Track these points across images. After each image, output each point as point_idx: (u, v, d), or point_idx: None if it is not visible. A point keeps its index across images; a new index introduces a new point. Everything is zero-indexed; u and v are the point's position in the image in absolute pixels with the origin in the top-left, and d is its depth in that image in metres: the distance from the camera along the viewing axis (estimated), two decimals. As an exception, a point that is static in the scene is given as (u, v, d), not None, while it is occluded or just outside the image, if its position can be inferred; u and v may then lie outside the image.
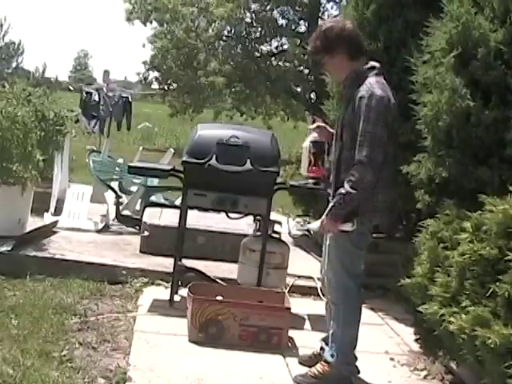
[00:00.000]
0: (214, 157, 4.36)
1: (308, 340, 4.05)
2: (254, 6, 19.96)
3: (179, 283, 4.64)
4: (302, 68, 20.58)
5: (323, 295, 5.07)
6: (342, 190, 3.25)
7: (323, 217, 3.37)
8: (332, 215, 3.33)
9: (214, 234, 5.63)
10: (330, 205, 3.35)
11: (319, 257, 6.13)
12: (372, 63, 3.46)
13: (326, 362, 3.48)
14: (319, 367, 3.47)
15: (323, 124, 3.81)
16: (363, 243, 3.45)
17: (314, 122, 3.86)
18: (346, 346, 3.46)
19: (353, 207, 3.29)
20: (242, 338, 3.86)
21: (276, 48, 21.02)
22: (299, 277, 5.27)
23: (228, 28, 20.05)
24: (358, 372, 3.52)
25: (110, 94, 13.30)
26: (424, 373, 3.74)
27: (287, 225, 7.56)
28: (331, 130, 3.68)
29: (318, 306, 4.87)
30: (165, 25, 20.40)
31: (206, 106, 21.79)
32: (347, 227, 3.32)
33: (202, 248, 5.55)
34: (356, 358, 3.51)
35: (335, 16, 20.10)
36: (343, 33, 3.42)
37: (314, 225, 3.51)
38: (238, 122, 20.01)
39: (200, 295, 3.95)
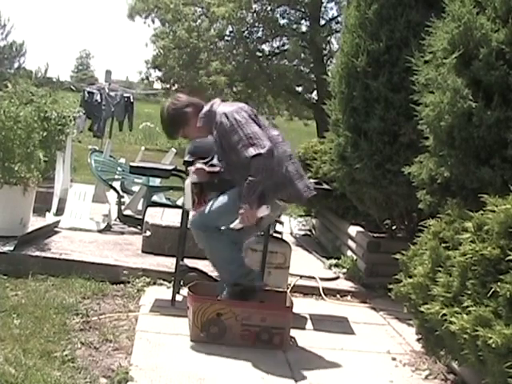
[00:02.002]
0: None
1: (309, 340, 4.06)
2: (255, 6, 19.96)
3: (181, 283, 4.64)
4: (303, 67, 20.59)
5: (325, 295, 5.10)
6: (247, 181, 3.66)
7: (241, 210, 3.71)
8: (247, 204, 3.70)
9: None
10: (242, 197, 3.72)
11: (321, 257, 6.16)
12: (211, 102, 3.95)
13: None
14: None
15: (201, 166, 4.20)
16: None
17: (192, 164, 4.27)
18: (226, 269, 3.93)
19: (259, 192, 3.70)
20: (244, 337, 3.86)
21: (277, 48, 21.03)
22: (301, 276, 5.27)
23: (230, 28, 20.06)
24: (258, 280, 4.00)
25: (112, 94, 13.32)
26: (426, 372, 3.74)
27: (289, 224, 7.57)
28: (207, 169, 4.17)
29: (319, 306, 4.89)
30: (166, 24, 20.41)
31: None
32: (264, 211, 3.76)
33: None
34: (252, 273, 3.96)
35: (335, 16, 20.15)
36: (176, 111, 3.92)
37: (236, 221, 3.80)
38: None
39: (200, 295, 3.96)
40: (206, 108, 3.94)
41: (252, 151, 3.66)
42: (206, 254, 4.06)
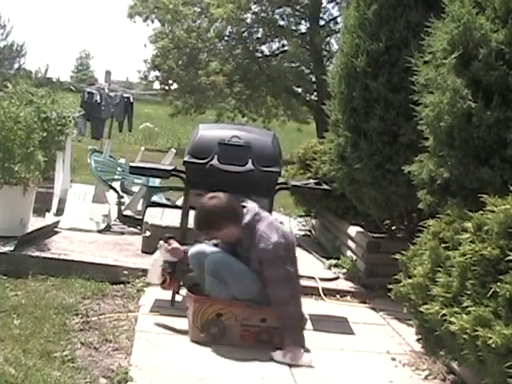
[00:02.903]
0: (216, 157, 4.37)
1: (309, 340, 4.05)
2: (254, 7, 19.97)
3: (180, 283, 4.64)
4: (302, 68, 20.60)
5: (325, 295, 5.10)
6: (285, 317, 3.78)
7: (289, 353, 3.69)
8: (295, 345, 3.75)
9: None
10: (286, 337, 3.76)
11: (321, 257, 6.16)
12: (251, 209, 3.87)
13: None
14: None
15: (177, 245, 4.17)
16: None
17: (166, 240, 4.21)
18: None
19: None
20: (244, 337, 3.86)
21: (277, 49, 21.04)
22: (301, 277, 5.26)
23: (229, 28, 20.07)
24: None
25: (112, 95, 13.31)
26: (425, 373, 3.74)
27: (289, 225, 7.56)
28: (182, 248, 4.13)
29: (319, 306, 4.88)
30: (166, 25, 20.42)
31: (208, 107, 21.80)
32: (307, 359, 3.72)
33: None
34: None
35: (335, 17, 20.14)
36: (222, 209, 3.83)
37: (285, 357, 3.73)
38: (240, 122, 20.02)
39: (199, 295, 3.95)
40: (246, 219, 3.85)
41: (284, 289, 3.77)
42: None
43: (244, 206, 3.91)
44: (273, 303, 3.80)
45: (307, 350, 3.76)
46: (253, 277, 3.85)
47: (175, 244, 4.19)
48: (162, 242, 4.21)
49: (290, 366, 3.64)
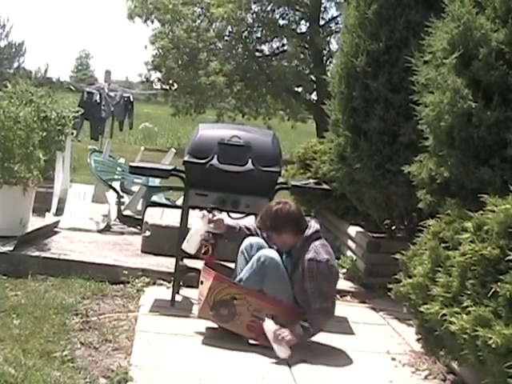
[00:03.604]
0: (216, 157, 4.37)
1: (309, 340, 4.05)
2: (254, 7, 19.96)
3: (180, 283, 4.64)
4: (302, 68, 20.59)
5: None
6: (305, 326, 3.81)
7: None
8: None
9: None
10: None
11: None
12: (314, 226, 3.97)
13: None
14: None
15: (222, 217, 4.20)
16: None
17: (210, 211, 4.19)
18: None
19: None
20: (250, 328, 3.83)
21: (277, 48, 21.03)
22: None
23: (229, 28, 20.06)
24: None
25: (112, 94, 13.30)
26: (425, 373, 3.73)
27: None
28: (226, 223, 4.15)
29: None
30: (166, 25, 20.41)
31: (208, 107, 21.81)
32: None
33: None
34: None
35: (335, 17, 20.16)
36: (291, 215, 3.92)
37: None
38: (240, 121, 20.03)
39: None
40: (307, 232, 3.94)
41: (321, 305, 3.84)
42: None
43: (308, 221, 4.03)
44: (305, 311, 3.87)
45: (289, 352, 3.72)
46: (288, 285, 3.91)
47: (219, 215, 4.21)
48: (205, 212, 4.16)
49: (290, 365, 3.64)
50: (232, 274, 4.08)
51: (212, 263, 4.10)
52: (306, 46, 20.00)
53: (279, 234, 3.95)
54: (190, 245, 4.14)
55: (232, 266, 4.17)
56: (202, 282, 3.97)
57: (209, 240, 4.17)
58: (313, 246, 3.87)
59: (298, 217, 3.97)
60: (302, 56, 20.03)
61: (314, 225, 4.00)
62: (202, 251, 4.16)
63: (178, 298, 4.51)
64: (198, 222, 4.15)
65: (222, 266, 4.23)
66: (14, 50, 21.23)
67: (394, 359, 3.92)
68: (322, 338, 4.11)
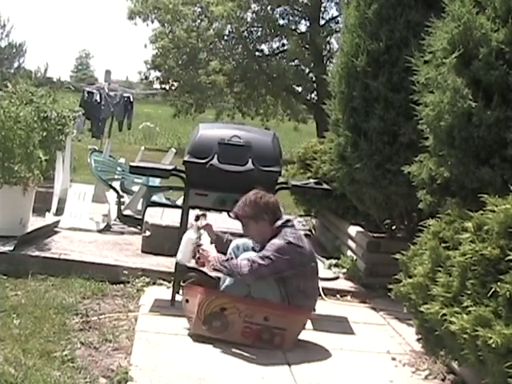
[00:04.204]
0: (216, 156, 4.37)
1: (309, 340, 4.05)
2: (254, 6, 19.96)
3: (181, 283, 4.63)
4: (302, 68, 20.59)
5: (325, 295, 5.09)
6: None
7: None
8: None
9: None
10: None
11: (321, 257, 6.15)
12: (285, 217, 4.11)
13: None
14: None
15: (210, 223, 4.26)
16: None
17: (197, 219, 4.22)
18: None
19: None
20: (245, 334, 3.84)
21: (277, 48, 21.03)
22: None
23: (229, 28, 20.07)
24: None
25: (112, 94, 13.29)
26: (426, 372, 3.73)
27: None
28: (215, 231, 4.26)
29: (319, 306, 4.86)
30: (166, 25, 20.41)
31: (208, 107, 21.81)
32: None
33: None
34: None
35: (335, 16, 20.14)
36: (269, 204, 4.04)
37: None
38: (240, 121, 20.03)
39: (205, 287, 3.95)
40: (278, 223, 4.04)
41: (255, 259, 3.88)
42: None
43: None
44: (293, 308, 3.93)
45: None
46: (273, 282, 3.93)
47: (206, 221, 4.27)
48: (193, 221, 4.22)
49: (290, 365, 3.64)
50: (205, 276, 4.16)
51: (193, 281, 4.13)
52: (306, 45, 20.00)
53: (256, 222, 4.03)
54: (184, 256, 4.17)
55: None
56: (187, 301, 3.99)
57: (197, 248, 4.17)
58: (283, 232, 3.97)
59: (275, 207, 4.08)
60: (302, 56, 20.03)
61: (285, 216, 4.13)
62: (194, 259, 4.18)
63: (178, 297, 4.51)
64: (188, 232, 4.20)
65: (196, 270, 4.28)
66: (14, 50, 21.22)
67: (394, 359, 3.92)
68: (322, 338, 4.11)
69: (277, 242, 3.92)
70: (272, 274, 3.89)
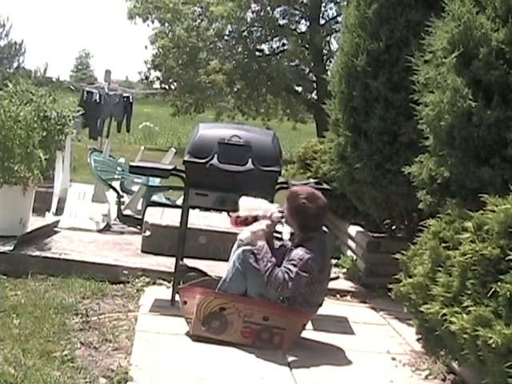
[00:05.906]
0: (216, 156, 4.36)
1: (309, 340, 4.05)
2: (254, 6, 19.96)
3: (181, 283, 4.63)
4: (302, 67, 20.59)
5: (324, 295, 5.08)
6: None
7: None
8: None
9: (216, 234, 5.63)
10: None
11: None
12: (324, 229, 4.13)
13: None
14: None
15: (260, 227, 4.07)
16: None
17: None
18: None
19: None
20: (244, 334, 3.84)
21: (277, 48, 21.03)
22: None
23: (229, 27, 20.07)
24: None
25: (111, 94, 13.28)
26: (426, 372, 3.73)
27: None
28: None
29: (319, 306, 4.88)
30: (166, 24, 20.41)
31: (208, 106, 21.81)
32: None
33: (203, 248, 5.55)
34: None
35: (335, 16, 20.14)
36: (299, 208, 3.99)
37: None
38: (239, 121, 20.04)
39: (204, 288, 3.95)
40: (310, 234, 4.01)
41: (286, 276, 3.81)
42: None
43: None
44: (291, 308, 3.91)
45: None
46: None
47: (257, 226, 4.11)
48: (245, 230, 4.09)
49: (290, 365, 3.64)
50: (205, 275, 4.18)
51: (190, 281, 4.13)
52: (306, 45, 20.00)
53: (296, 221, 4.04)
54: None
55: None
56: (185, 302, 3.99)
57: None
58: (310, 245, 3.92)
59: (310, 216, 3.98)
60: (302, 55, 20.04)
61: (324, 229, 4.12)
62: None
63: (178, 297, 4.50)
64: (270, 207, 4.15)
65: (196, 270, 4.26)
66: (13, 49, 21.24)
67: (394, 359, 3.92)
68: (322, 337, 4.11)
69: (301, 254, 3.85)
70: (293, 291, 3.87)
